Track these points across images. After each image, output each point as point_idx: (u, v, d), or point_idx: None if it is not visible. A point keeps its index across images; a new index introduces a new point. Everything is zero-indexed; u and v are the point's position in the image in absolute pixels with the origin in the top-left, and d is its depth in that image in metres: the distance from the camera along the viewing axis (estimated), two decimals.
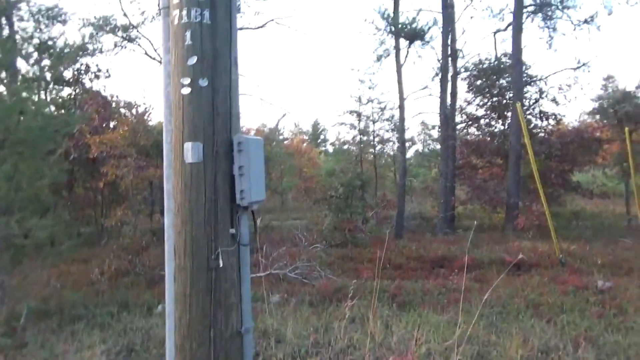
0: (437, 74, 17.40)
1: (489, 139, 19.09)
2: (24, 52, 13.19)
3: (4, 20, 11.89)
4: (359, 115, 19.74)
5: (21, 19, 12.36)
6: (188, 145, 2.42)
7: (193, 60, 2.35)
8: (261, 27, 15.49)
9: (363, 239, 12.20)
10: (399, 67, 14.59)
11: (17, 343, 5.24)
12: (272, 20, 15.76)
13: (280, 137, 33.29)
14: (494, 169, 19.48)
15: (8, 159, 5.59)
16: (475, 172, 19.17)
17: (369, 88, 19.15)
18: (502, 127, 18.95)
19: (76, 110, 11.04)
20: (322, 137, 47.14)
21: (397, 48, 14.82)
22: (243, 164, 2.46)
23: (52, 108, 12.32)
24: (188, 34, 2.36)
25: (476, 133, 19.85)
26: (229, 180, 2.46)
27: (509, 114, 17.30)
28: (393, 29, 14.47)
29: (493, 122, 19.31)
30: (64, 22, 13.44)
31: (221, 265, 2.39)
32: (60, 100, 13.56)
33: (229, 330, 2.40)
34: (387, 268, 9.56)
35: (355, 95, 19.31)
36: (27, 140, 5.98)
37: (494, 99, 18.95)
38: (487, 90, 18.79)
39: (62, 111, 10.28)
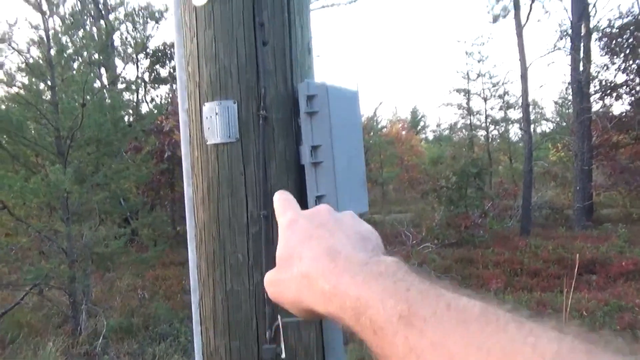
0: (563, 36, 14.54)
1: (631, 109, 15.75)
2: (122, 52, 13.32)
3: (102, 23, 11.99)
4: (467, 93, 17.46)
5: (117, 20, 12.42)
6: (208, 108, 1.19)
7: None
8: (353, 1, 14.03)
9: (482, 237, 10.33)
10: (519, 29, 12.27)
11: None
12: None
13: (378, 126, 31.58)
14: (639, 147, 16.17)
15: (74, 160, 4.94)
16: (616, 152, 16.02)
17: (478, 61, 16.81)
18: None
19: (168, 107, 10.74)
20: (421, 124, 44.47)
21: (517, 5, 12.47)
22: (321, 142, 1.17)
23: (148, 107, 12.24)
24: None
25: (614, 103, 16.55)
26: (293, 178, 1.19)
27: None
28: None
29: (639, 88, 15.88)
30: (157, 20, 13.37)
31: (283, 355, 1.13)
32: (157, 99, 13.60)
33: None
34: (519, 274, 7.74)
35: (462, 71, 17.09)
36: (100, 138, 5.31)
37: None
38: (629, 50, 15.44)
39: (154, 109, 9.97)
